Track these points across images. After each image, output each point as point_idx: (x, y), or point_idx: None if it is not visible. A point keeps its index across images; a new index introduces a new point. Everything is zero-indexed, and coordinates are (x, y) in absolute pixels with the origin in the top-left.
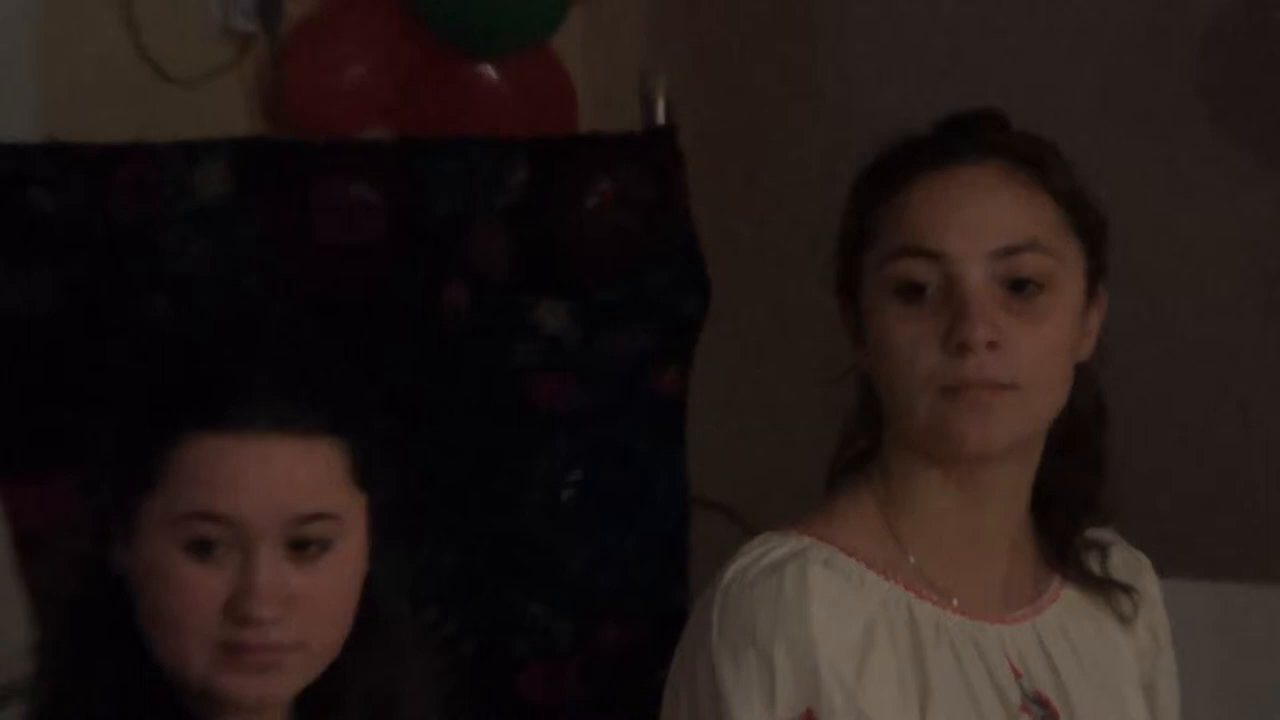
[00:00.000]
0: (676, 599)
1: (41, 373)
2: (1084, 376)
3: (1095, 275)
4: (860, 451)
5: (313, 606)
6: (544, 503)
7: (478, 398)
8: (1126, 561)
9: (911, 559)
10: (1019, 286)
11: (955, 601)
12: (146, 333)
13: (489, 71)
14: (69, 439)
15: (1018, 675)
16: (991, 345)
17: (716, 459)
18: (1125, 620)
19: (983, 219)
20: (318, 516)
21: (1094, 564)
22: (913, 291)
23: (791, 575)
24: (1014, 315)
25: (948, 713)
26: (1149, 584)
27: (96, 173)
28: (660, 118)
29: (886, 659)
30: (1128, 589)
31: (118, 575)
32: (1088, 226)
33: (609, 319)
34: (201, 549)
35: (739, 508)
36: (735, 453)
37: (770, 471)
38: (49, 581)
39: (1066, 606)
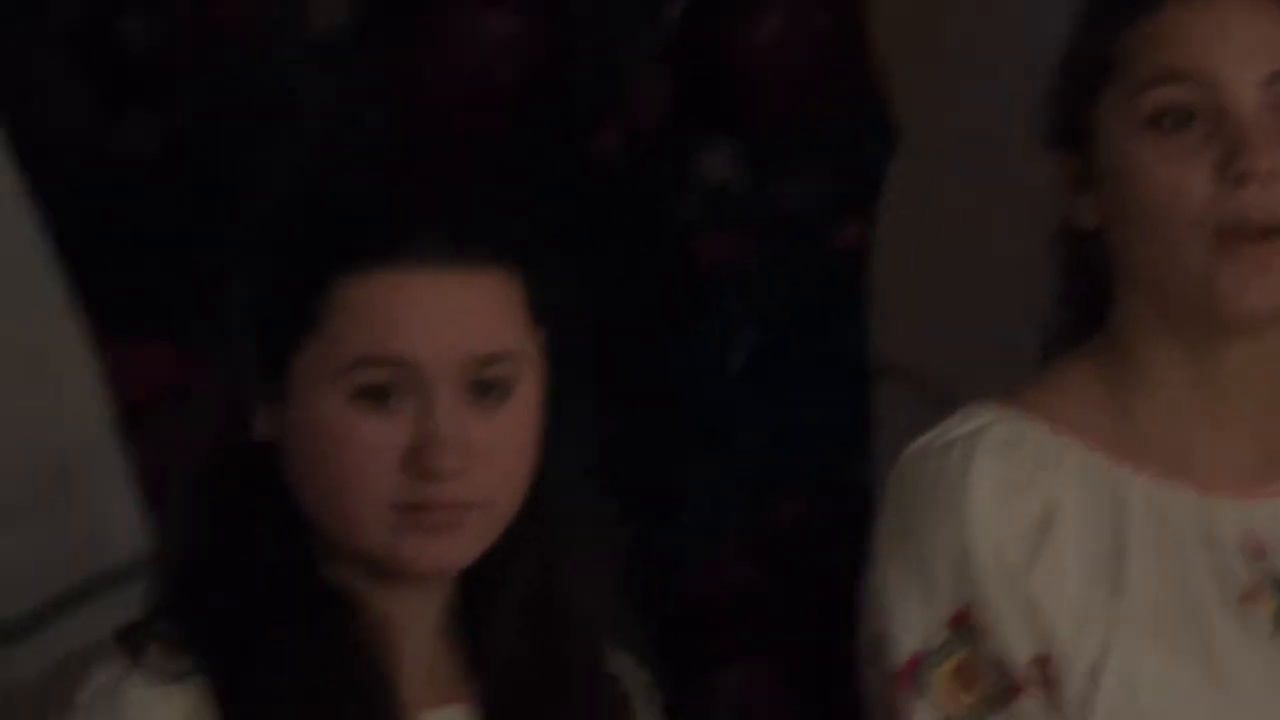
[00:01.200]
0: (858, 475)
1: (142, 227)
2: None
3: None
4: (1080, 318)
5: (494, 459)
6: (711, 370)
7: (635, 256)
8: None
9: (1138, 428)
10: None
11: (1189, 475)
12: (277, 174)
13: None
14: (173, 299)
15: (1259, 554)
16: (1274, 177)
17: (903, 320)
18: None
19: (1257, 41)
20: (498, 356)
21: None
22: (1177, 119)
23: (956, 460)
24: None
25: (1145, 595)
26: None
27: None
28: None
29: (1072, 538)
30: None
31: (260, 442)
32: None
33: (781, 165)
34: (374, 397)
35: (927, 375)
36: (924, 314)
37: (963, 336)
38: (175, 452)
39: None
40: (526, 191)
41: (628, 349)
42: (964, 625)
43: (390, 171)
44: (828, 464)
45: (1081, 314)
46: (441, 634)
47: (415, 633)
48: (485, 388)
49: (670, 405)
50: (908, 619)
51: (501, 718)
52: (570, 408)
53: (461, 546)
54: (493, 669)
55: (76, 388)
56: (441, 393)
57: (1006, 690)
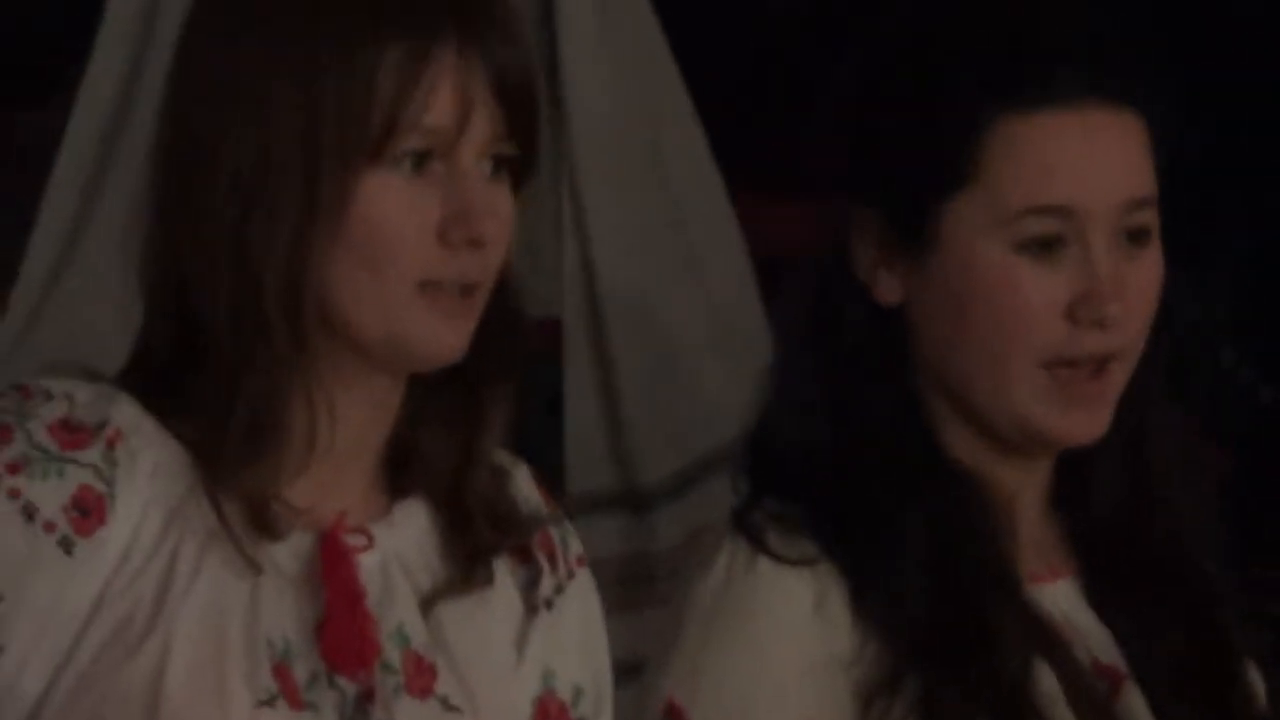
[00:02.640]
0: None
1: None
2: None
3: None
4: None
5: (1141, 309)
6: None
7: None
8: None
9: None
10: (1136, 237)
11: None
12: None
13: None
14: (814, 155)
15: None
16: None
17: None
18: None
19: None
20: (1147, 201)
21: None
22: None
23: None
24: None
25: None
26: None
27: None
28: None
29: None
30: None
31: (880, 307)
32: None
33: None
34: (1041, 247)
35: None
36: None
37: None
38: (797, 315)
39: None
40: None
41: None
42: None
43: (1033, 7)
44: None
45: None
46: (1047, 507)
47: (1028, 506)
48: (1134, 234)
49: None
50: None
51: (1102, 591)
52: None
53: (1103, 418)
54: (1093, 541)
55: (721, 246)
56: (1099, 240)
57: None
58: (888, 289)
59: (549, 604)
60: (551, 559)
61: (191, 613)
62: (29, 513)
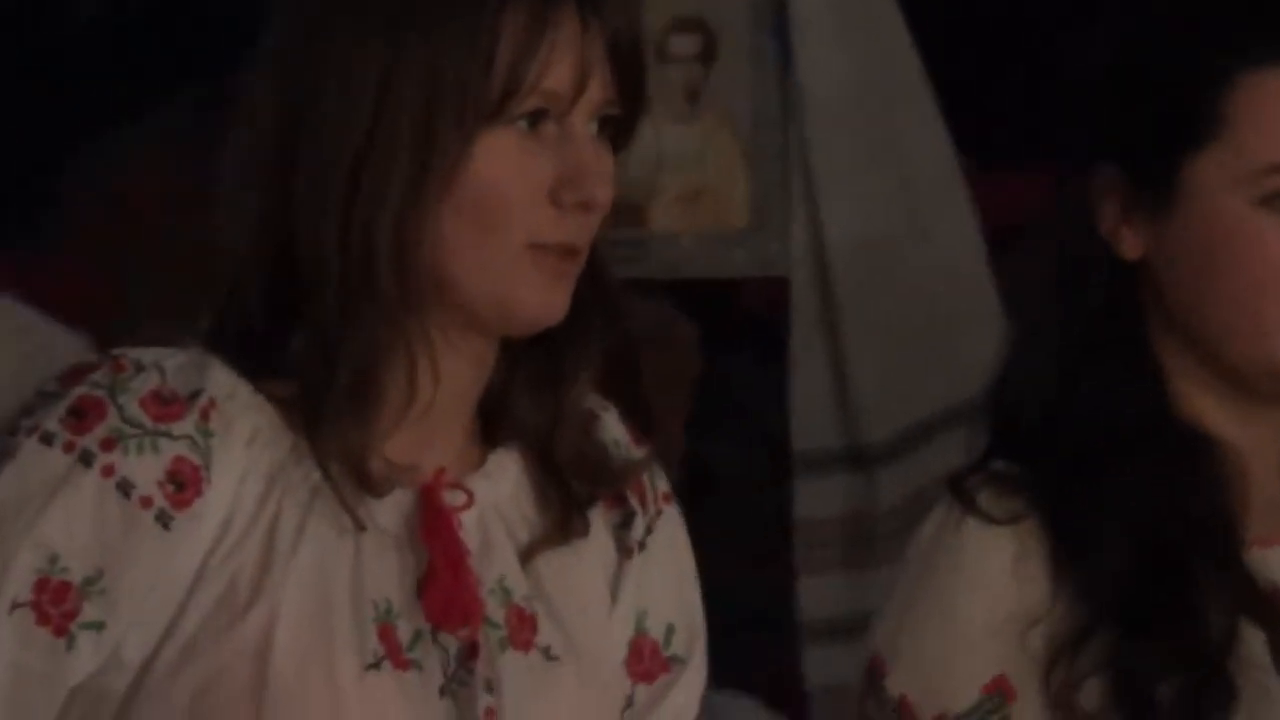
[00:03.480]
0: None
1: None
2: None
3: None
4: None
5: None
6: None
7: None
8: None
9: None
10: None
11: None
12: None
13: None
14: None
15: None
16: None
17: None
18: None
19: None
20: None
21: None
22: None
23: None
24: None
25: None
26: None
27: None
28: None
29: None
30: None
31: (1130, 260)
32: None
33: None
34: None
35: None
36: None
37: None
38: (1037, 275)
39: None
40: None
41: None
42: None
43: None
44: None
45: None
46: None
47: (1265, 468)
48: None
49: None
50: None
51: None
52: None
53: None
54: None
55: (950, 211)
56: None
57: None
58: (1130, 245)
59: (641, 545)
60: (642, 500)
61: (296, 579)
62: (125, 489)
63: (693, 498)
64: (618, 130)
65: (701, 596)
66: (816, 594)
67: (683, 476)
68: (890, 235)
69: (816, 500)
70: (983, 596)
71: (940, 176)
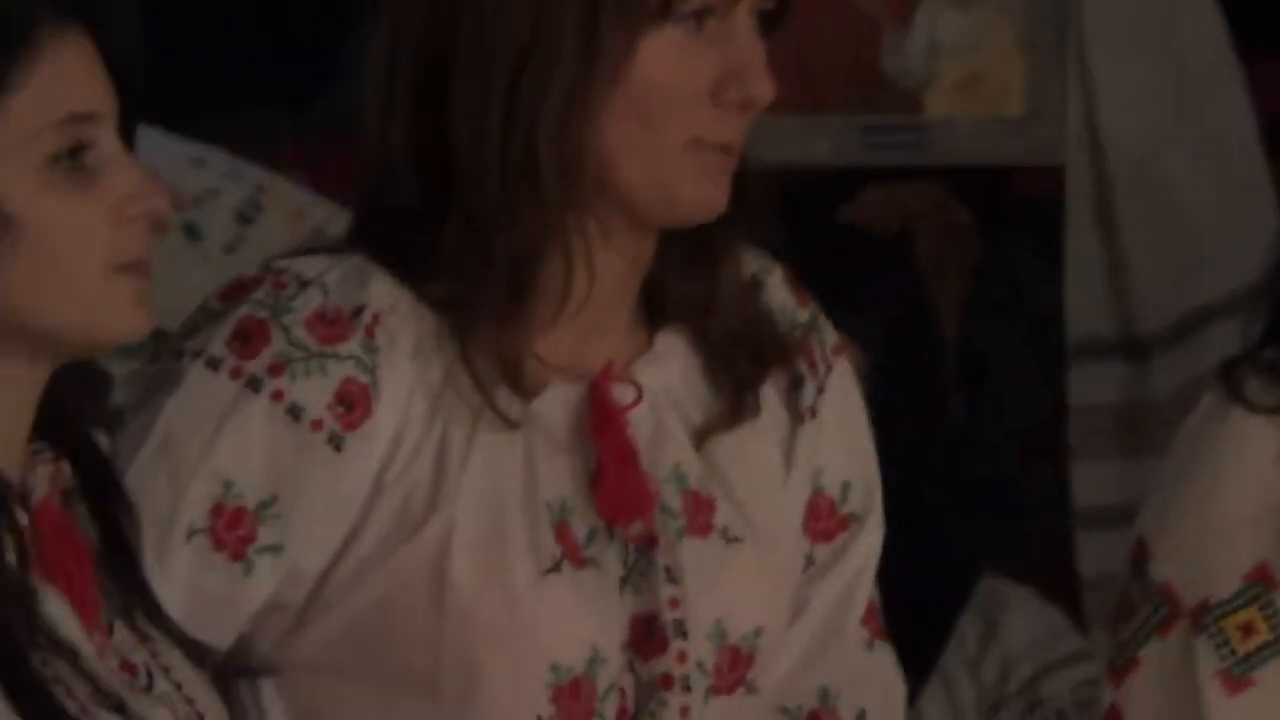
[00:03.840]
0: None
1: None
2: None
3: None
4: None
5: None
6: None
7: None
8: None
9: None
10: None
11: None
12: None
13: None
14: None
15: None
16: None
17: None
18: None
19: None
20: None
21: None
22: None
23: None
24: None
25: None
26: None
27: None
28: None
29: None
30: None
31: None
32: None
33: None
34: None
35: None
36: None
37: None
38: None
39: None
40: None
41: None
42: None
43: None
44: None
45: None
46: None
47: None
48: None
49: None
50: None
51: None
52: None
53: None
54: None
55: (1227, 101)
56: None
57: None
58: None
59: (813, 411)
60: (811, 364)
61: (470, 488)
62: (295, 414)
63: (967, 385)
64: (767, 23)
65: (967, 480)
66: (1091, 481)
67: (958, 363)
68: (1165, 122)
69: (1091, 388)
70: (1245, 485)
71: (1215, 63)
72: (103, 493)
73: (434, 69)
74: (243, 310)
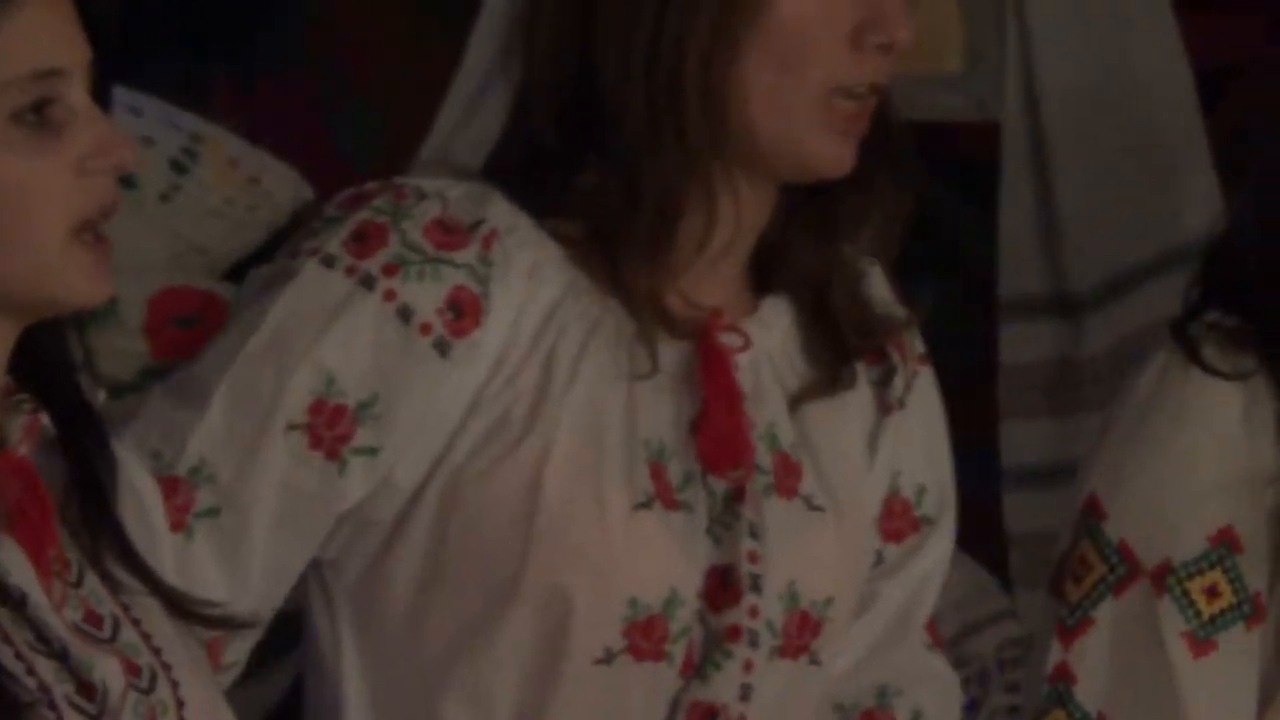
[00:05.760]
0: None
1: None
2: None
3: None
4: None
5: None
6: None
7: None
8: None
9: None
10: None
11: None
12: None
13: None
14: None
15: None
16: None
17: None
18: None
19: None
20: None
21: None
22: None
23: None
24: None
25: None
26: None
27: None
28: None
29: None
30: None
31: None
32: None
33: None
34: None
35: None
36: None
37: None
38: (1262, 121)
39: None
40: None
41: None
42: None
43: None
44: None
45: None
46: None
47: None
48: None
49: None
50: None
51: None
52: None
53: None
54: None
55: (1163, 55)
56: None
57: None
58: None
59: (901, 403)
60: (903, 357)
61: (570, 414)
62: (405, 315)
63: None
64: None
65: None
66: (1020, 439)
67: None
68: (1102, 80)
69: (1022, 345)
70: (1212, 447)
71: (1152, 19)
72: (81, 437)
73: (579, 6)
74: (362, 214)
